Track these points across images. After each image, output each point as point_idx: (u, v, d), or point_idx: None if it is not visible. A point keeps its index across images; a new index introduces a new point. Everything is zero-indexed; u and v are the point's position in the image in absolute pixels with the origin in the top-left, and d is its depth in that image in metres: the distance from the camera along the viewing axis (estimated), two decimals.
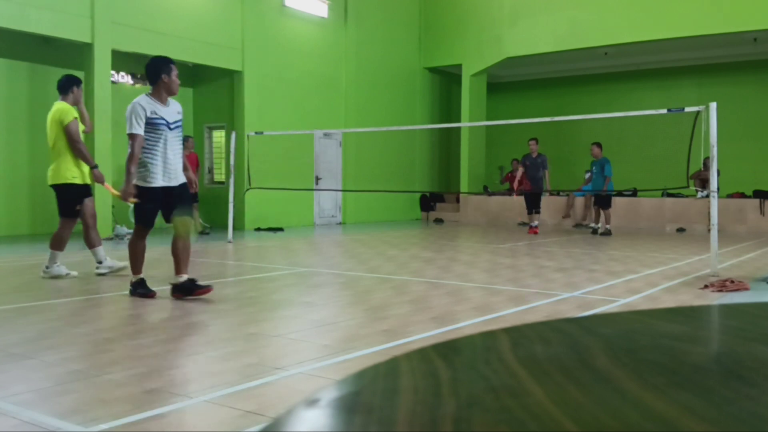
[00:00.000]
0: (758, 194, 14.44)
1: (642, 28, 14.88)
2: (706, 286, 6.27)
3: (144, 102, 5.50)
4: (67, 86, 6.80)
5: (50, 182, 6.72)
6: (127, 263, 6.97)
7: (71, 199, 6.70)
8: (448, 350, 0.74)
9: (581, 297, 5.87)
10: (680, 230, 14.46)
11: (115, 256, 7.55)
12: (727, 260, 8.52)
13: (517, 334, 0.80)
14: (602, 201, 13.28)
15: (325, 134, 15.60)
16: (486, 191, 17.58)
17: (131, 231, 11.36)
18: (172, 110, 5.63)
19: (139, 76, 13.34)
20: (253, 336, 4.29)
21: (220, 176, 14.93)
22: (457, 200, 18.23)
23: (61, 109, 6.64)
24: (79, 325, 4.61)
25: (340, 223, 16.20)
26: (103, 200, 11.40)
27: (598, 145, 13.27)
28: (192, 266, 5.94)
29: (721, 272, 7.16)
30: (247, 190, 12.00)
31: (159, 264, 7.36)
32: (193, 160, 11.84)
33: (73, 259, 7.61)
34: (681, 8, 14.41)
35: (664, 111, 8.90)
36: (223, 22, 13.36)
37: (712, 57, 16.78)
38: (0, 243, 10.39)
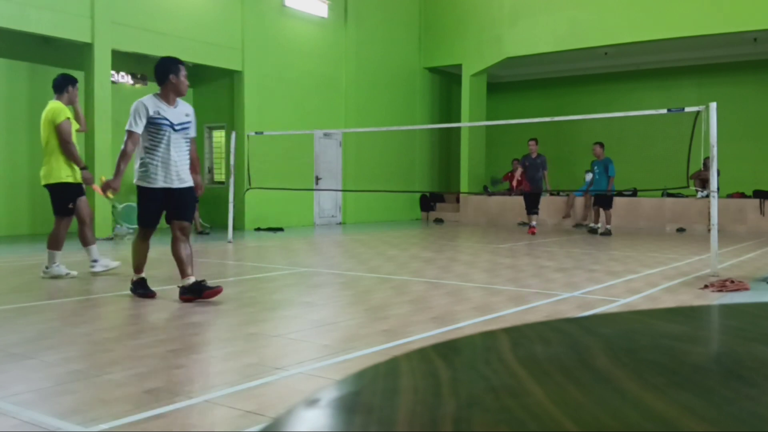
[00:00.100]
0: (758, 194, 14.43)
1: (642, 28, 14.88)
2: (706, 286, 6.27)
3: (149, 101, 5.46)
4: (62, 85, 6.79)
5: (43, 182, 6.71)
6: (120, 263, 6.99)
7: (65, 199, 6.70)
8: (448, 350, 0.74)
9: (581, 297, 5.87)
10: (680, 230, 14.46)
11: (115, 256, 7.55)
12: (727, 260, 8.52)
13: (517, 334, 0.80)
14: (604, 201, 13.26)
15: (325, 134, 15.60)
16: (486, 191, 17.59)
17: (131, 231, 11.44)
18: (179, 111, 5.54)
19: (139, 76, 13.34)
20: (253, 336, 4.29)
21: (220, 176, 14.93)
22: (457, 200, 18.23)
23: (54, 108, 6.64)
24: (79, 325, 4.61)
25: (340, 223, 16.20)
26: (104, 200, 11.41)
27: (601, 144, 13.25)
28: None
29: (721, 272, 7.16)
30: (247, 190, 12.00)
31: (159, 264, 7.36)
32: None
33: (72, 259, 7.60)
34: (681, 8, 14.41)
35: (664, 111, 8.90)
36: (223, 22, 13.36)
37: (712, 57, 16.78)
38: (0, 243, 10.39)
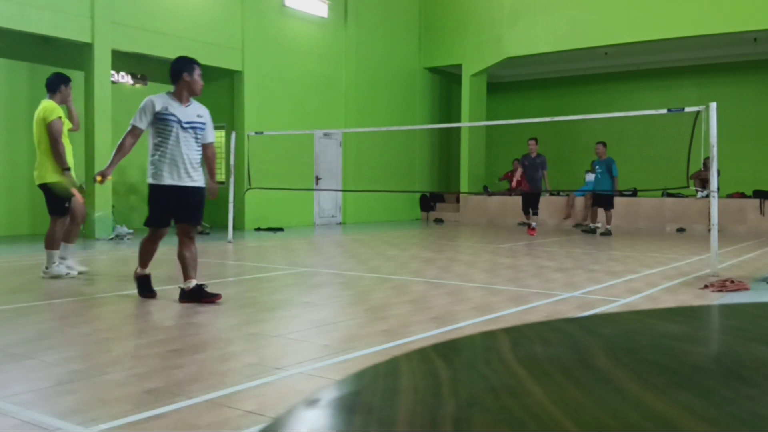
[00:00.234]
0: (758, 194, 14.44)
1: (642, 28, 14.88)
2: (706, 286, 6.27)
3: (158, 98, 5.42)
4: (55, 84, 6.76)
5: (38, 182, 6.67)
6: (86, 268, 6.99)
7: (60, 197, 6.69)
8: (448, 350, 0.74)
9: (581, 297, 5.87)
10: (680, 230, 14.45)
11: (114, 256, 7.54)
12: (727, 260, 8.52)
13: (517, 334, 0.80)
14: (605, 201, 13.23)
15: (325, 134, 15.60)
16: (486, 191, 17.58)
17: (131, 231, 11.44)
18: (191, 111, 5.48)
19: (139, 76, 13.34)
20: (253, 336, 4.29)
21: (220, 176, 14.90)
22: (457, 200, 18.23)
23: (46, 107, 6.62)
24: (79, 325, 4.61)
25: (340, 223, 16.20)
26: (104, 200, 11.41)
27: (604, 144, 13.20)
28: None
29: (721, 272, 7.16)
30: (247, 190, 12.01)
31: (160, 264, 7.35)
32: None
33: (72, 259, 7.59)
34: (681, 8, 14.42)
35: (664, 111, 8.90)
36: (223, 22, 13.37)
37: (712, 57, 16.79)
38: (0, 243, 10.39)
